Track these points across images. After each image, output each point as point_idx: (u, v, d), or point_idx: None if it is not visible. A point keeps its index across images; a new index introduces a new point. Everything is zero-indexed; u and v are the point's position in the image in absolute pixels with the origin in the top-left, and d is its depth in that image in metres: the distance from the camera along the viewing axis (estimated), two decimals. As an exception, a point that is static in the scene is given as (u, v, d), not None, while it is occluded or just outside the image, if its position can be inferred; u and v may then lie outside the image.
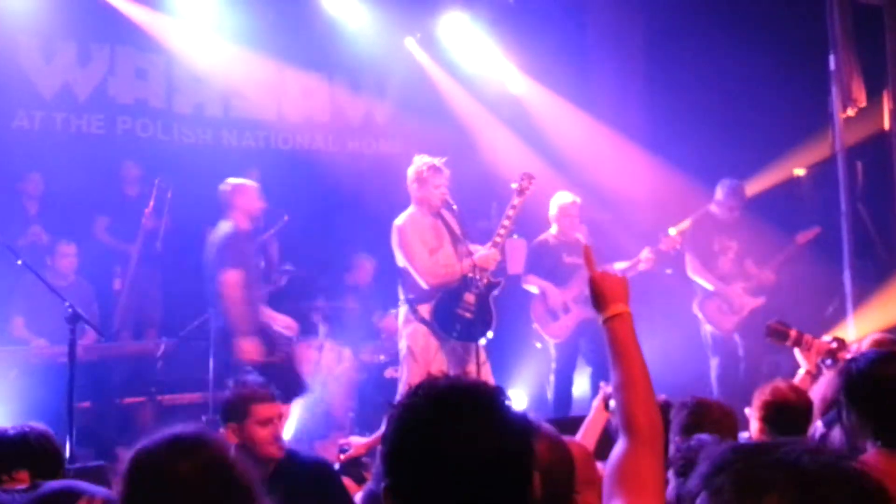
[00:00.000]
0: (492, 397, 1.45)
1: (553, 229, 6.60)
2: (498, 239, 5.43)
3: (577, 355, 6.59)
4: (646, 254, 6.25)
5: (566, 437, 2.50)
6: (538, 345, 6.75)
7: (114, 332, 6.71)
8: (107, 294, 6.92)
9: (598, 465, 2.96)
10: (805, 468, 1.08)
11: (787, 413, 3.26)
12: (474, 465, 1.38)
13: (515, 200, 5.53)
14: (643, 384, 1.84)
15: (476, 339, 5.34)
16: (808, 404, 3.37)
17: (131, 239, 7.07)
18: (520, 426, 1.45)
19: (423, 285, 5.33)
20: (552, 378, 6.58)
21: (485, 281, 5.39)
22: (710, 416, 3.06)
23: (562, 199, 6.56)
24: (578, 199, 6.58)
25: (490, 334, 5.48)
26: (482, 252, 5.40)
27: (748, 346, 6.53)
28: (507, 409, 1.45)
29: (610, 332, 1.92)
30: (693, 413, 3.07)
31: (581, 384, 6.71)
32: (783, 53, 7.19)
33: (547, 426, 2.38)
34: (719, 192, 6.72)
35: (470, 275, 5.36)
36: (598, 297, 1.97)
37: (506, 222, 5.50)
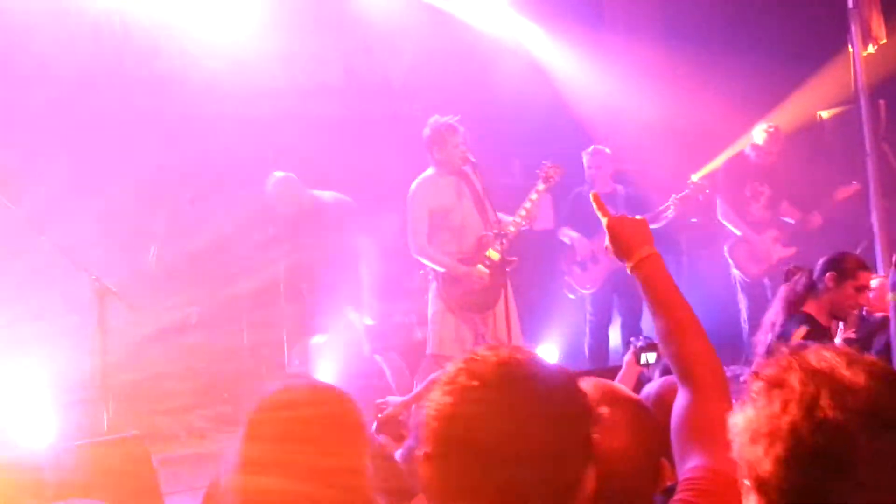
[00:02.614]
0: (540, 377, 1.35)
1: (587, 182, 6.67)
2: (512, 228, 5.31)
3: (612, 306, 6.66)
4: (672, 201, 6.26)
5: (658, 383, 2.33)
6: (571, 296, 6.80)
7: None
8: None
9: None
10: None
11: None
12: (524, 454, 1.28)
13: (540, 186, 5.44)
14: (693, 328, 1.69)
15: (489, 308, 5.32)
16: None
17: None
18: (572, 405, 1.35)
19: (411, 248, 5.41)
20: (587, 329, 6.67)
21: (499, 254, 5.29)
22: None
23: (589, 151, 6.61)
24: (607, 150, 6.62)
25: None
26: (469, 272, 5.29)
27: (775, 291, 6.51)
28: (554, 385, 1.35)
29: (642, 279, 1.77)
30: None
31: (615, 335, 6.77)
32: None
33: (610, 384, 1.94)
34: (757, 136, 6.67)
35: (488, 234, 5.36)
36: (620, 243, 1.83)
37: (523, 213, 5.36)
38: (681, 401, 1.66)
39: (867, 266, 4.31)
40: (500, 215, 5.44)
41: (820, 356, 1.09)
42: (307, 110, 8.33)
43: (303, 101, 8.32)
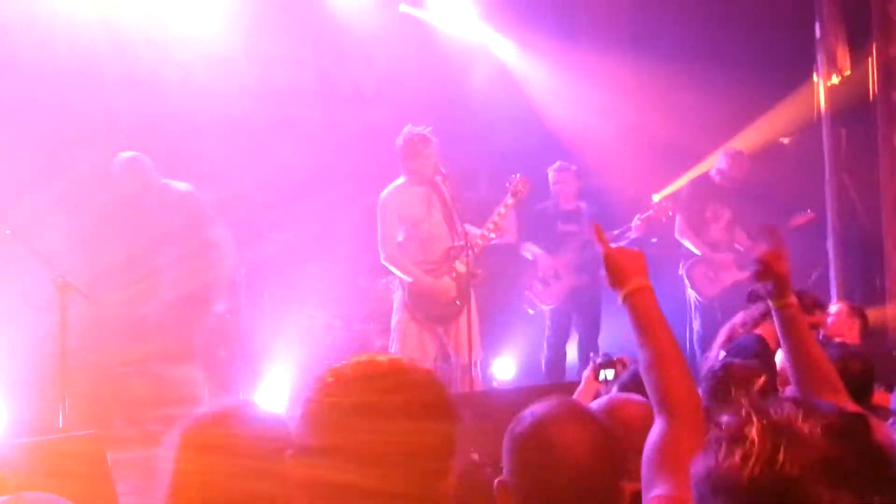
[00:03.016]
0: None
1: (551, 198, 6.71)
2: (480, 241, 5.34)
3: (571, 323, 6.71)
4: (636, 222, 6.36)
5: (614, 398, 2.41)
6: (530, 311, 6.86)
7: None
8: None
9: None
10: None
11: None
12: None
13: (509, 200, 5.48)
14: (675, 360, 1.75)
15: (452, 321, 5.38)
16: None
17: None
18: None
19: (381, 255, 5.43)
20: (545, 344, 6.72)
21: (467, 261, 5.34)
22: (736, 376, 3.01)
23: (554, 167, 6.68)
24: (573, 167, 6.70)
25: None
26: (435, 285, 5.34)
27: (725, 317, 6.63)
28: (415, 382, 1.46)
29: (632, 309, 1.82)
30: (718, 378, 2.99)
31: (572, 351, 6.83)
32: (770, 20, 7.22)
33: (579, 403, 1.98)
34: (722, 160, 6.79)
35: (456, 246, 5.40)
36: (616, 273, 1.88)
37: (490, 226, 5.40)
38: (656, 429, 1.70)
39: (823, 305, 4.42)
40: (468, 227, 5.47)
41: (778, 408, 1.12)
42: (278, 113, 8.33)
43: (274, 103, 8.31)
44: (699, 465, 1.13)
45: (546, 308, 6.70)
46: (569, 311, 6.64)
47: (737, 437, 1.10)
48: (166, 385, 6.42)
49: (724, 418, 1.14)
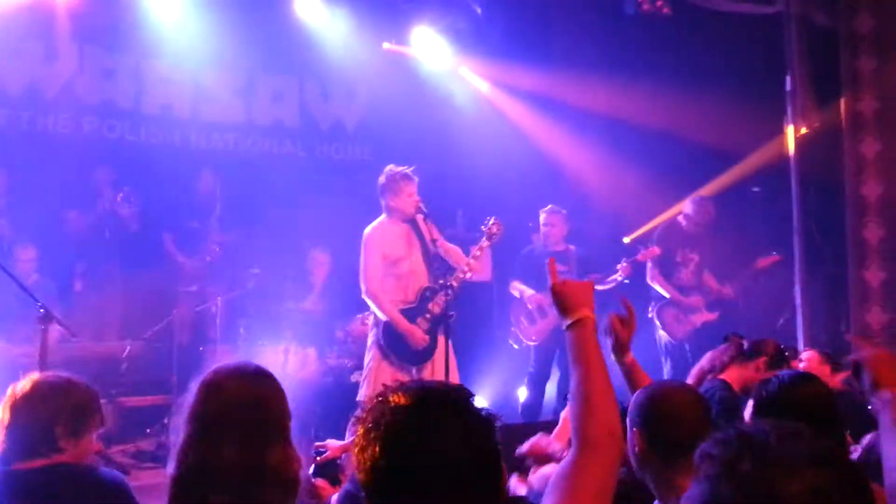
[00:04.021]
0: (459, 400, 1.48)
1: (540, 238, 6.92)
2: (454, 283, 5.39)
3: (553, 359, 6.81)
4: (622, 264, 6.53)
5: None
6: (515, 346, 6.95)
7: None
8: (67, 294, 6.89)
9: None
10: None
11: None
12: (448, 469, 1.41)
13: (484, 242, 5.56)
14: (600, 392, 1.78)
15: (424, 361, 5.43)
16: None
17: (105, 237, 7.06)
18: (486, 426, 1.48)
19: (362, 288, 5.47)
20: (526, 380, 6.81)
21: (440, 307, 5.41)
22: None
23: (546, 210, 6.83)
24: (563, 211, 6.83)
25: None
26: (410, 328, 5.35)
27: (697, 356, 6.73)
28: (475, 411, 1.48)
29: (571, 338, 1.89)
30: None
31: (550, 389, 6.89)
32: (741, 74, 7.43)
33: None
34: (688, 206, 6.95)
35: (432, 286, 5.47)
36: (562, 304, 1.95)
37: (465, 268, 5.44)
38: (569, 457, 1.72)
39: (783, 355, 4.50)
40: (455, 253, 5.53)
41: (764, 435, 1.16)
42: (260, 147, 8.42)
43: (257, 138, 8.41)
44: (693, 499, 1.16)
45: (531, 344, 6.80)
46: (552, 347, 6.75)
47: (730, 471, 1.13)
48: (136, 417, 6.41)
49: (715, 451, 1.18)
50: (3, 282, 4.81)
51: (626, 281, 7.10)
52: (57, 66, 7.30)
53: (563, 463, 1.74)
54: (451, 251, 5.53)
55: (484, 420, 1.48)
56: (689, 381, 4.59)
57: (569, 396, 1.85)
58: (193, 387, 2.13)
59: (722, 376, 4.29)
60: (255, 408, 2.05)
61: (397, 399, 1.47)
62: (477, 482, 1.43)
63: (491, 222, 5.58)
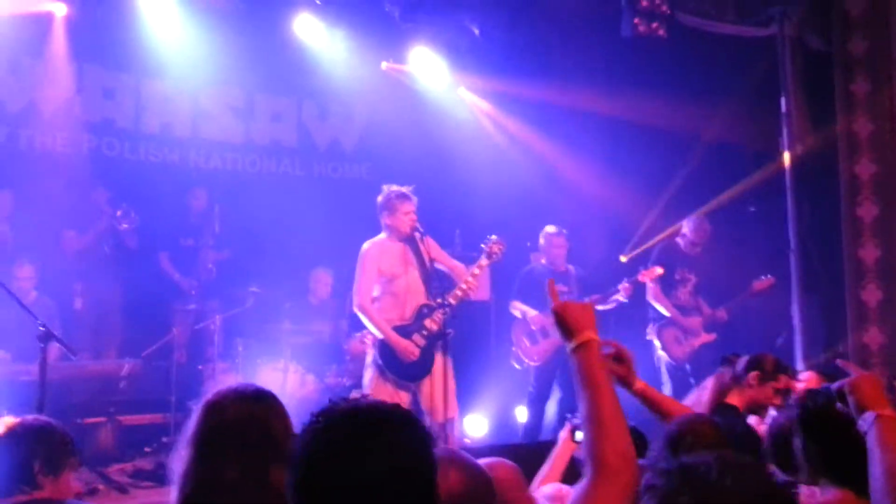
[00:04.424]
0: (383, 417, 1.46)
1: (542, 258, 6.94)
2: (452, 301, 5.42)
3: (554, 381, 6.81)
4: (624, 284, 6.55)
5: (490, 459, 2.50)
6: (516, 366, 6.95)
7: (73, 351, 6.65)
8: (67, 312, 6.87)
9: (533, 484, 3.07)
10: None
11: None
12: (368, 485, 1.39)
13: (483, 262, 5.59)
14: (611, 416, 1.77)
15: (416, 380, 5.44)
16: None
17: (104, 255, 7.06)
18: (415, 444, 1.46)
19: (354, 302, 5.49)
20: (527, 400, 6.80)
21: (438, 324, 5.42)
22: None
23: (548, 230, 6.86)
24: (565, 231, 6.86)
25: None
26: (400, 342, 5.38)
27: (697, 376, 6.75)
28: (402, 428, 1.46)
29: (577, 362, 1.87)
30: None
31: (551, 408, 6.89)
32: (737, 95, 7.50)
33: (463, 455, 2.27)
34: (685, 227, 6.99)
35: (429, 304, 5.49)
36: (565, 326, 1.92)
37: (463, 286, 5.47)
38: (583, 483, 1.71)
39: (787, 370, 4.45)
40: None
41: (706, 471, 1.19)
42: (259, 167, 8.45)
43: (255, 157, 8.44)
44: None
45: (532, 364, 6.80)
46: (553, 368, 6.75)
47: None
48: (134, 436, 6.39)
49: (657, 482, 1.20)
50: (6, 298, 4.82)
51: (625, 301, 7.13)
52: (56, 85, 7.32)
53: (578, 488, 1.72)
54: (455, 267, 5.56)
55: (408, 438, 1.46)
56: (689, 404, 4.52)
57: (581, 422, 1.82)
58: (195, 409, 2.14)
59: (727, 401, 4.23)
60: (255, 428, 2.06)
61: (315, 422, 1.47)
62: (398, 501, 1.41)
63: (492, 241, 5.60)
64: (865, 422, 2.07)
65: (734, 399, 4.20)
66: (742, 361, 4.30)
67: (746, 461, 1.22)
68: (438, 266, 5.64)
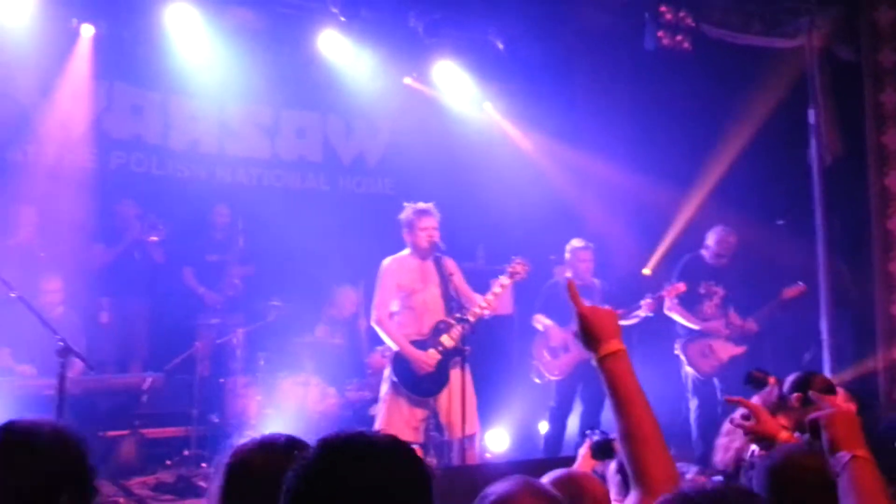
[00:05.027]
0: (364, 450, 1.39)
1: (568, 271, 6.90)
2: (471, 318, 5.40)
3: (576, 395, 6.75)
4: (647, 300, 6.48)
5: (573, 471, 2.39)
6: (537, 380, 6.90)
7: (99, 365, 6.74)
8: (93, 326, 6.97)
9: None
10: None
11: None
12: None
13: (505, 281, 5.57)
14: (652, 431, 1.69)
15: (428, 396, 5.41)
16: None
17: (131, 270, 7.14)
18: (409, 478, 1.38)
19: (372, 316, 5.51)
20: (548, 415, 6.74)
21: (455, 340, 5.40)
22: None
23: (574, 244, 6.83)
24: (591, 245, 6.82)
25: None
26: (417, 354, 5.37)
27: (726, 390, 6.62)
28: (394, 462, 1.39)
29: (607, 374, 1.76)
30: None
31: (573, 423, 6.82)
32: (764, 107, 7.41)
33: (536, 482, 2.05)
34: (710, 238, 6.89)
35: (446, 320, 5.47)
36: (589, 334, 1.82)
37: (483, 303, 5.46)
38: (631, 500, 1.66)
39: (834, 388, 4.23)
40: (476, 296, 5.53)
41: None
42: (284, 181, 8.53)
43: (282, 172, 8.53)
44: None
45: (553, 379, 6.75)
46: (575, 382, 6.70)
47: None
48: (157, 449, 6.44)
49: None
50: (31, 313, 4.90)
51: (650, 314, 7.05)
52: (85, 103, 7.46)
53: None
54: (464, 293, 5.52)
55: (399, 471, 1.38)
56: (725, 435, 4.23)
57: (619, 439, 1.73)
58: (220, 464, 1.95)
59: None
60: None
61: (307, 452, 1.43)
62: None
63: (516, 262, 5.60)
64: (838, 462, 1.88)
65: (783, 421, 4.00)
66: (789, 381, 4.11)
67: (742, 491, 1.20)
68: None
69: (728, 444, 4.11)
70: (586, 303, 1.90)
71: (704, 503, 1.17)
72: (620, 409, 1.72)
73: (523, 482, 1.86)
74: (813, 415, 1.98)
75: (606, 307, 1.94)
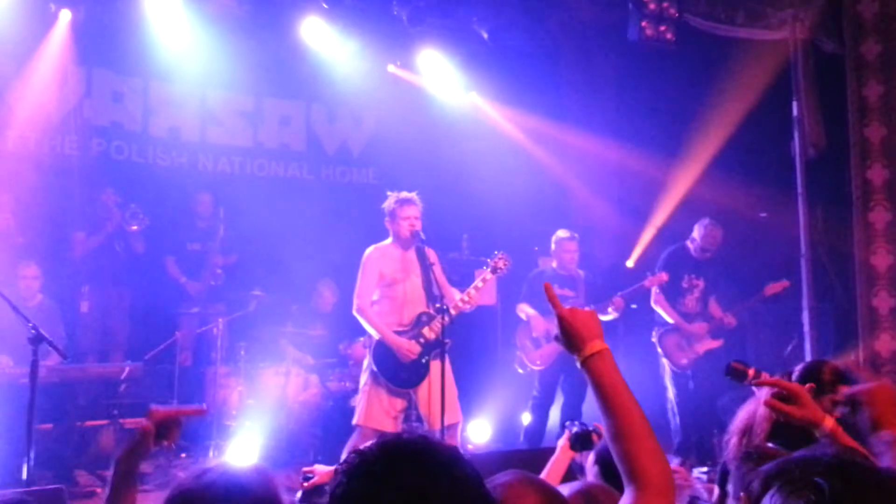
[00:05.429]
0: (439, 456, 1.36)
1: (553, 262, 6.89)
2: (452, 311, 5.36)
3: (558, 385, 6.75)
4: (616, 299, 6.51)
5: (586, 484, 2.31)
6: (520, 370, 6.89)
7: (79, 354, 6.69)
8: (74, 315, 6.90)
9: None
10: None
11: None
12: None
13: (488, 275, 5.55)
14: (642, 428, 1.66)
15: (407, 387, 5.39)
16: None
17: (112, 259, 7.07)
18: (472, 484, 1.36)
19: (354, 304, 5.47)
20: (530, 405, 6.73)
21: (436, 332, 5.38)
22: None
23: (560, 234, 6.81)
24: (576, 235, 6.80)
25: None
26: (399, 341, 5.33)
27: (699, 383, 6.65)
28: (458, 467, 1.36)
29: (593, 374, 1.74)
30: None
31: (554, 414, 6.82)
32: (747, 99, 7.40)
33: (536, 478, 2.00)
34: (697, 231, 6.89)
35: (427, 312, 5.45)
36: (571, 336, 1.80)
37: (465, 298, 5.44)
38: (626, 501, 1.62)
39: (847, 378, 4.16)
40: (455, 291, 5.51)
41: None
42: (267, 171, 8.47)
43: (264, 161, 8.46)
44: None
45: (536, 368, 6.74)
46: (557, 372, 6.69)
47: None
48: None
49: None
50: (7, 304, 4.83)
51: (634, 306, 7.05)
52: (65, 89, 7.36)
53: None
54: (441, 285, 5.49)
55: (459, 478, 1.35)
56: (747, 423, 4.09)
57: (609, 440, 1.70)
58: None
59: None
60: None
61: (369, 446, 1.39)
62: None
63: (498, 256, 5.57)
64: (880, 442, 1.81)
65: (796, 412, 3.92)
66: (797, 371, 4.04)
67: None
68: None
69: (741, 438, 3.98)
70: (567, 303, 1.88)
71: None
72: (608, 408, 1.69)
73: (521, 475, 1.82)
74: (852, 389, 1.90)
75: (587, 308, 1.91)
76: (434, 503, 1.30)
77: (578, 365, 1.77)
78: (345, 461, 1.39)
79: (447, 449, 1.40)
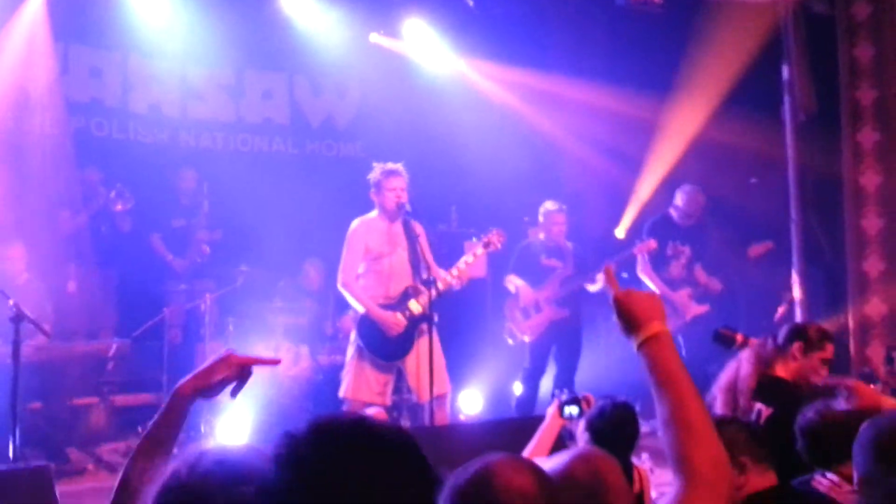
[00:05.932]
0: (379, 438, 1.27)
1: (540, 234, 6.84)
2: (440, 285, 5.30)
3: (549, 355, 6.73)
4: (599, 274, 6.48)
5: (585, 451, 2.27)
6: (510, 341, 6.87)
7: (68, 333, 6.62)
8: (61, 295, 6.82)
9: None
10: None
11: None
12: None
13: (479, 251, 5.50)
14: (700, 418, 1.58)
15: (392, 360, 5.35)
16: None
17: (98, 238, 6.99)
18: (416, 466, 1.27)
19: (338, 279, 5.42)
20: (521, 376, 6.73)
21: (423, 307, 5.32)
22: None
23: (548, 206, 6.75)
24: (564, 207, 6.76)
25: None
26: (384, 315, 5.29)
27: (690, 350, 6.63)
28: (401, 448, 1.28)
29: (649, 358, 1.65)
30: None
31: (546, 383, 6.81)
32: (737, 63, 7.32)
33: (527, 460, 1.87)
34: (678, 198, 6.85)
35: (414, 285, 5.40)
36: (627, 319, 1.71)
37: (455, 272, 5.39)
38: (672, 493, 1.56)
39: (832, 337, 4.14)
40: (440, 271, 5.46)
41: None
42: (251, 145, 8.36)
43: (247, 135, 8.35)
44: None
45: (526, 339, 6.73)
46: (549, 342, 6.69)
47: None
48: (127, 416, 6.36)
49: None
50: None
51: (625, 275, 7.02)
52: (42, 65, 7.22)
53: (668, 500, 1.56)
54: (432, 267, 5.43)
55: (401, 461, 1.27)
56: (731, 385, 4.06)
57: (660, 425, 1.63)
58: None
59: (774, 374, 3.93)
60: None
61: (300, 428, 1.28)
62: None
63: (492, 232, 5.53)
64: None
65: (781, 371, 3.89)
66: (783, 331, 4.02)
67: None
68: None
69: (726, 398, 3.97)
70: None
71: None
72: (661, 394, 1.62)
73: (505, 455, 1.74)
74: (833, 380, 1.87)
75: (648, 292, 1.86)
76: (370, 491, 1.20)
77: (635, 349, 1.69)
78: (275, 445, 1.27)
79: (389, 429, 1.30)
